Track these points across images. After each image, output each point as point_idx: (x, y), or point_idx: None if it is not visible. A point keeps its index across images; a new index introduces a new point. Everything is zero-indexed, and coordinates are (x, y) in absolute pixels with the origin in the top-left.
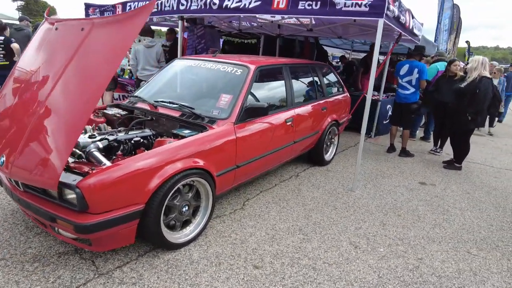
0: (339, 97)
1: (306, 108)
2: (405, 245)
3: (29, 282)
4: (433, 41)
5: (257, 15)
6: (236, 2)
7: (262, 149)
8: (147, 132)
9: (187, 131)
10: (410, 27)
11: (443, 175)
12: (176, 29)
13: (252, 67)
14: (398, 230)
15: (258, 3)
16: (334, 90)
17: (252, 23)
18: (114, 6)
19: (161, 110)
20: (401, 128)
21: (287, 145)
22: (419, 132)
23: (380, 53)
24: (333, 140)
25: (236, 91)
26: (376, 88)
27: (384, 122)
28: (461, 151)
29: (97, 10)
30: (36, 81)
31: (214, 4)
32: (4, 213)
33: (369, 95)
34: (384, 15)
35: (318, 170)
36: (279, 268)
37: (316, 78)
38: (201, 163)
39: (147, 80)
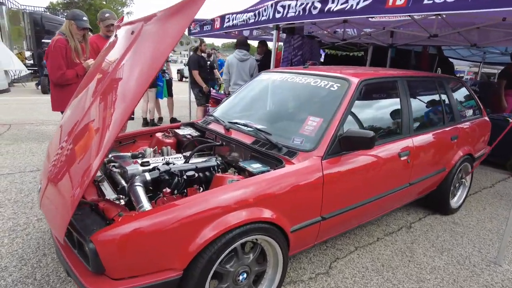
0: (475, 122)
1: (429, 137)
2: None
3: None
4: None
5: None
6: (342, 4)
7: (361, 195)
8: (211, 162)
9: (256, 166)
10: None
11: None
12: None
13: (355, 81)
14: None
15: (368, 1)
16: (468, 112)
17: (359, 31)
18: (213, 19)
19: (233, 134)
20: None
21: (399, 189)
22: None
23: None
24: (463, 180)
25: (329, 112)
26: None
27: None
28: None
29: (197, 24)
30: (83, 99)
31: (315, 8)
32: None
33: None
34: None
35: (439, 221)
36: None
37: (444, 97)
38: (268, 214)
39: None
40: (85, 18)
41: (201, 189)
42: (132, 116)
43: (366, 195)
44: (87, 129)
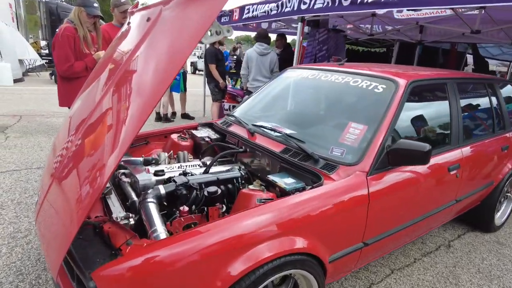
0: None
1: (480, 148)
2: None
3: None
4: None
5: (395, 14)
6: None
7: (406, 216)
8: (235, 172)
9: (289, 181)
10: None
11: None
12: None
13: (403, 82)
14: None
15: None
16: None
17: (386, 26)
18: (231, 10)
19: (258, 139)
20: None
21: (445, 207)
22: None
23: None
24: (509, 194)
25: (374, 119)
26: None
27: None
28: None
29: None
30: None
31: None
32: None
33: None
34: None
35: (482, 240)
36: None
37: (494, 101)
38: (305, 243)
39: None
40: (96, 5)
41: (224, 207)
42: None
43: (411, 215)
44: (100, 123)
